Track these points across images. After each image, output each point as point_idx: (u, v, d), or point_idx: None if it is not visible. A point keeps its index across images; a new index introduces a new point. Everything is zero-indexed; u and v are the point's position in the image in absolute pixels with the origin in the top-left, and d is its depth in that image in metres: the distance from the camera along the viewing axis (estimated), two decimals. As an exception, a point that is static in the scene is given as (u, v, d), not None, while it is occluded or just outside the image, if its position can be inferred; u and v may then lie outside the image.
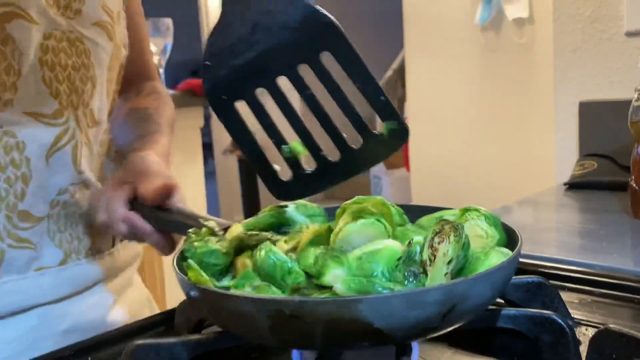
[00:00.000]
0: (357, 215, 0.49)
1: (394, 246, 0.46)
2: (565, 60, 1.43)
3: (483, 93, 2.34)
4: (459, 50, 2.39)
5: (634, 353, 0.42)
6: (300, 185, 0.49)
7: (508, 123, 2.26)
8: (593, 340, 0.44)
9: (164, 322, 0.61)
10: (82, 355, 0.55)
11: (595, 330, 0.45)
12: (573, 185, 1.26)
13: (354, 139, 0.48)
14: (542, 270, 0.68)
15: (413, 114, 2.60)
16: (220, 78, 0.45)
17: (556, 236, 0.90)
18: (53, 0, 0.64)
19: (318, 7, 0.42)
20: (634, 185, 0.96)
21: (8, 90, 0.61)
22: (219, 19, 0.44)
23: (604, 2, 1.36)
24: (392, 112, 0.46)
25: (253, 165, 0.48)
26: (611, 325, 0.44)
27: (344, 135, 0.47)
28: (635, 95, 0.96)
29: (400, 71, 3.73)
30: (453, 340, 0.50)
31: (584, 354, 0.45)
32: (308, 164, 0.49)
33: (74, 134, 0.66)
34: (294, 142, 0.48)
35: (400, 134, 0.46)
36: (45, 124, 0.64)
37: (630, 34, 1.34)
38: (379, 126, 0.48)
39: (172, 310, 0.60)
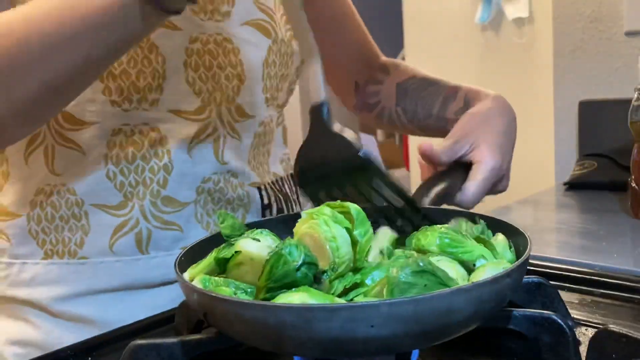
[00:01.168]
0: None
1: None
2: (565, 60, 1.43)
3: (483, 93, 2.34)
4: (458, 50, 2.39)
5: (634, 353, 0.42)
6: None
7: (508, 123, 2.26)
8: (593, 341, 0.44)
9: (164, 322, 0.61)
10: (82, 355, 0.56)
11: (595, 330, 0.45)
12: (573, 185, 1.26)
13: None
14: (542, 270, 0.68)
15: (413, 113, 2.60)
16: (307, 177, 0.60)
17: (556, 236, 0.90)
18: (199, 7, 0.69)
19: (362, 154, 0.56)
20: (634, 185, 0.96)
21: (154, 92, 0.68)
22: (305, 139, 0.60)
23: (604, 2, 1.36)
24: (424, 216, 0.57)
25: None
26: (611, 326, 0.44)
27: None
28: (635, 95, 0.96)
29: (400, 71, 3.71)
30: (452, 341, 0.50)
31: (584, 354, 0.45)
32: None
33: (216, 128, 0.71)
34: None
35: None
36: (186, 119, 0.70)
37: (630, 34, 1.34)
38: None
39: (172, 310, 0.60)
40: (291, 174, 0.86)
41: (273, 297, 0.44)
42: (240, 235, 0.60)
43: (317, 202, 0.59)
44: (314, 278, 0.47)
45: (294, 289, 0.45)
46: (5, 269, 0.70)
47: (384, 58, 0.98)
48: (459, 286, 0.41)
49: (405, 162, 2.83)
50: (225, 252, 0.51)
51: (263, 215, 0.77)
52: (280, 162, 0.84)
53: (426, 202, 0.68)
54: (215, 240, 0.60)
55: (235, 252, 0.50)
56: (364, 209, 0.53)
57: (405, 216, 0.57)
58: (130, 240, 0.69)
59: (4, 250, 0.70)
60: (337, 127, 0.58)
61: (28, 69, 0.54)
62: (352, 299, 0.46)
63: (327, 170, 0.58)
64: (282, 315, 0.39)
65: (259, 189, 0.76)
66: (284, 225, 0.62)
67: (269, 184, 0.78)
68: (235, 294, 0.48)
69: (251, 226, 0.61)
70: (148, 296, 0.69)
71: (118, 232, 0.68)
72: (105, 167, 0.68)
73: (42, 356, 0.55)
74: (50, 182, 0.68)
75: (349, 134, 0.57)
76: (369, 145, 0.85)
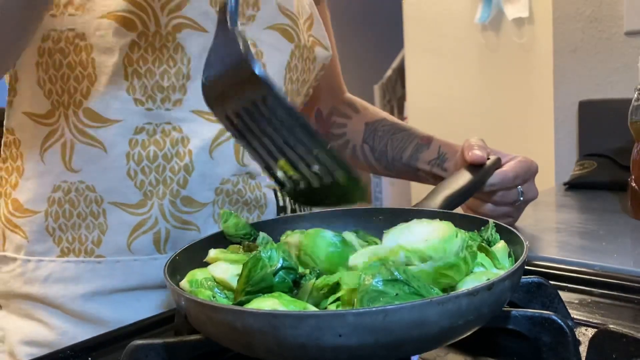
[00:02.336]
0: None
1: None
2: (565, 60, 1.43)
3: (483, 93, 2.34)
4: (458, 50, 2.39)
5: (634, 353, 0.42)
6: (302, 196, 0.51)
7: (507, 123, 2.26)
8: (593, 341, 0.44)
9: (164, 322, 0.61)
10: (82, 355, 0.55)
11: (595, 330, 0.45)
12: (573, 185, 1.26)
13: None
14: (542, 270, 0.68)
15: (412, 113, 2.60)
16: (209, 95, 0.50)
17: (556, 236, 0.90)
18: None
19: (253, 66, 0.45)
20: (634, 185, 0.96)
21: (178, 91, 0.68)
22: (211, 47, 0.49)
23: (604, 2, 1.36)
24: (340, 164, 0.46)
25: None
26: (611, 326, 0.44)
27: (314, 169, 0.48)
28: (635, 95, 0.96)
29: (400, 71, 3.73)
30: (453, 341, 0.50)
31: (584, 354, 0.45)
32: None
33: None
34: (281, 161, 0.49)
35: (355, 188, 0.47)
36: (209, 120, 0.70)
37: (630, 34, 1.34)
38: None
39: (172, 310, 0.60)
40: None
41: (249, 301, 0.45)
42: (243, 235, 0.60)
43: (226, 124, 0.50)
44: (294, 282, 0.47)
45: (267, 295, 0.45)
46: (22, 265, 0.70)
47: (348, 94, 1.01)
48: (432, 297, 0.40)
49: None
50: (198, 275, 0.52)
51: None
52: None
53: (432, 205, 0.69)
54: (214, 241, 0.60)
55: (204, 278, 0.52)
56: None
57: (304, 152, 0.47)
58: (149, 239, 0.69)
59: (20, 247, 0.70)
60: (237, 29, 0.47)
61: None
62: (326, 307, 0.45)
63: (226, 83, 0.48)
64: (249, 321, 0.39)
65: (275, 190, 0.77)
66: (286, 225, 0.62)
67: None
68: (213, 297, 0.48)
69: (254, 227, 0.61)
70: (164, 296, 0.70)
71: (136, 230, 0.69)
72: (127, 165, 0.68)
73: (42, 356, 0.55)
74: (66, 178, 0.69)
75: (243, 36, 0.47)
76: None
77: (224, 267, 0.52)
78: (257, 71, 0.45)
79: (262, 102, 0.46)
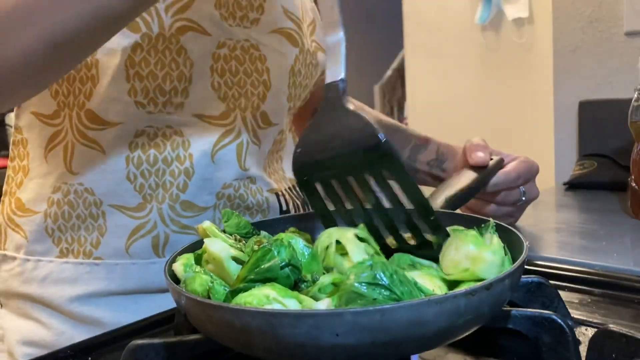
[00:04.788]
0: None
1: None
2: (565, 60, 1.43)
3: (483, 93, 2.34)
4: (458, 50, 2.39)
5: (634, 353, 0.42)
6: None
7: (508, 123, 2.26)
8: (593, 340, 0.44)
9: (164, 322, 0.61)
10: (82, 355, 0.55)
11: (595, 330, 0.45)
12: (573, 185, 1.26)
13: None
14: (542, 270, 0.68)
15: (412, 113, 2.60)
16: (306, 162, 0.53)
17: (556, 236, 0.90)
18: (228, 13, 0.69)
19: (382, 137, 0.49)
20: (634, 185, 0.96)
21: (180, 95, 0.68)
22: (315, 117, 0.54)
23: (604, 2, 1.36)
24: (440, 229, 0.51)
25: None
26: (611, 325, 0.44)
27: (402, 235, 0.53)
28: (635, 95, 0.96)
29: (400, 71, 3.73)
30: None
31: (584, 354, 0.45)
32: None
33: (239, 134, 0.71)
34: (361, 226, 0.53)
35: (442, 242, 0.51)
36: (210, 124, 0.70)
37: (630, 34, 1.34)
38: None
39: (172, 310, 0.60)
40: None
41: (247, 289, 0.44)
42: (244, 234, 0.60)
43: (309, 194, 0.54)
44: (295, 283, 0.47)
45: (265, 284, 0.45)
46: (21, 264, 0.70)
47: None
48: (430, 297, 0.40)
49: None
50: (199, 250, 0.52)
51: None
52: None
53: (433, 206, 0.69)
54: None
55: (202, 251, 0.51)
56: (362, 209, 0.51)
57: (414, 224, 0.51)
58: (147, 243, 0.69)
59: (20, 246, 0.70)
60: (352, 106, 0.52)
61: (26, 19, 0.51)
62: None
63: (331, 154, 0.51)
64: (247, 320, 0.39)
65: (277, 195, 0.77)
66: (287, 224, 0.62)
67: (286, 189, 0.79)
68: (211, 282, 0.48)
69: (256, 226, 0.61)
70: (163, 300, 0.69)
71: (135, 234, 0.68)
72: (126, 168, 0.68)
73: (42, 356, 0.55)
74: (67, 180, 0.69)
75: (366, 115, 0.50)
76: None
77: (222, 245, 0.51)
78: (389, 149, 0.48)
79: (380, 174, 0.50)
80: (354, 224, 0.53)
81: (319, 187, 0.53)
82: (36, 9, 0.51)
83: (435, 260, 0.51)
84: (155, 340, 0.48)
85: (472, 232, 0.51)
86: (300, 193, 0.82)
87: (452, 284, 0.49)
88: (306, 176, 0.53)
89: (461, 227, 0.54)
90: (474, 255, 0.48)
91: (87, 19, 0.51)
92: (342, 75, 0.53)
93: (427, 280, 0.48)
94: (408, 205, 0.50)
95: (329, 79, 0.53)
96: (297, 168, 0.53)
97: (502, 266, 0.48)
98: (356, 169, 0.51)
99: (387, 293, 0.41)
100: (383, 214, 0.52)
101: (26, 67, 0.53)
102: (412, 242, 0.52)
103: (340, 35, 0.54)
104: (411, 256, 0.52)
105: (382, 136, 0.48)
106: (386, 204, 0.51)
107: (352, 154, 0.50)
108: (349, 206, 0.53)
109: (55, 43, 0.52)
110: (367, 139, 0.49)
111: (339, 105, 0.52)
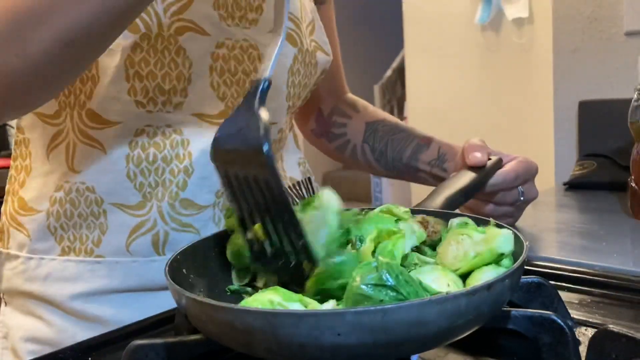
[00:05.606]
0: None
1: None
2: (564, 60, 1.44)
3: (482, 93, 2.34)
4: (458, 50, 2.39)
5: (633, 353, 0.42)
6: (261, 262, 0.55)
7: (507, 123, 2.26)
8: (593, 341, 0.44)
9: (164, 322, 0.61)
10: (83, 355, 0.56)
11: (595, 330, 0.45)
12: (573, 185, 1.26)
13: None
14: (542, 270, 0.68)
15: (412, 113, 2.60)
16: (217, 150, 0.54)
17: (556, 236, 0.90)
18: (227, 14, 0.69)
19: (265, 146, 0.50)
20: (634, 185, 0.96)
21: (179, 95, 0.68)
22: (234, 110, 0.55)
23: (604, 2, 1.36)
24: (310, 257, 0.50)
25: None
26: (611, 326, 0.44)
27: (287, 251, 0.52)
28: (635, 95, 0.96)
29: (400, 71, 3.73)
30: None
31: (583, 354, 0.45)
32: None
33: None
34: (258, 225, 0.53)
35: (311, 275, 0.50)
36: (210, 123, 0.70)
37: (630, 34, 1.34)
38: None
39: (172, 310, 0.60)
40: (308, 178, 0.87)
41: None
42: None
43: (223, 180, 0.55)
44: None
45: (268, 289, 0.46)
46: (24, 263, 0.71)
47: (350, 94, 1.01)
48: (430, 297, 0.40)
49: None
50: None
51: None
52: (298, 165, 0.85)
53: (432, 206, 0.69)
54: (216, 240, 0.60)
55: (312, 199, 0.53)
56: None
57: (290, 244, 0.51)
58: (147, 241, 0.69)
59: (23, 245, 0.71)
60: (262, 110, 0.53)
61: (43, 17, 0.52)
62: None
63: (233, 147, 0.53)
64: (249, 320, 0.39)
65: None
66: None
67: (285, 188, 0.79)
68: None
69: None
70: (163, 297, 0.69)
71: (135, 232, 0.69)
72: (126, 166, 0.68)
73: (44, 356, 0.55)
74: (69, 179, 0.69)
75: (265, 119, 0.52)
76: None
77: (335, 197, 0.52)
78: (266, 158, 0.49)
79: (264, 182, 0.50)
80: (253, 221, 0.54)
81: (231, 175, 0.54)
82: (52, 7, 0.51)
83: None
84: (156, 341, 0.48)
85: (465, 227, 0.52)
86: (299, 192, 0.83)
87: (464, 278, 0.49)
88: (218, 162, 0.54)
89: (469, 220, 0.55)
90: (483, 238, 0.49)
91: (99, 15, 0.52)
92: (267, 74, 0.54)
93: (441, 275, 0.48)
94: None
95: (257, 74, 0.55)
96: (210, 153, 0.55)
97: (517, 242, 0.49)
98: (248, 169, 0.52)
99: (393, 294, 0.41)
100: (267, 218, 0.52)
101: (46, 66, 0.53)
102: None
103: (280, 38, 0.56)
104: (417, 254, 0.53)
105: (265, 145, 0.50)
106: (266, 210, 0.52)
107: (245, 154, 0.52)
108: (243, 202, 0.54)
109: (72, 40, 0.52)
110: (254, 142, 0.51)
111: (251, 103, 0.53)
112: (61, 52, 0.53)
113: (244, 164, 0.52)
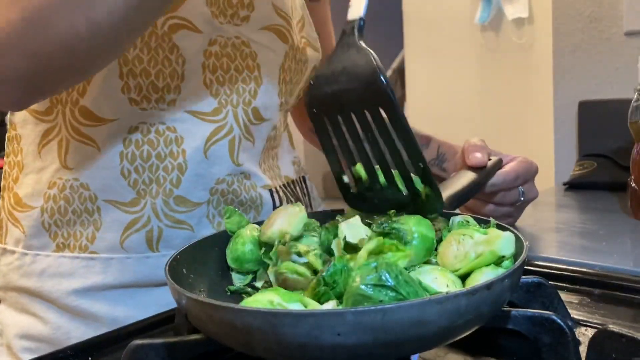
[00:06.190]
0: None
1: None
2: (564, 60, 1.44)
3: (482, 93, 2.34)
4: (458, 50, 2.39)
5: (633, 353, 0.42)
6: (362, 200, 0.57)
7: (507, 123, 2.26)
8: (593, 341, 0.44)
9: (164, 322, 0.61)
10: (82, 355, 0.56)
11: (595, 330, 0.45)
12: (572, 185, 1.26)
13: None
14: (542, 270, 0.68)
15: (412, 113, 2.60)
16: (316, 96, 0.55)
17: (556, 236, 0.90)
18: (219, 11, 0.69)
19: (383, 79, 0.51)
20: (634, 185, 0.96)
21: (172, 92, 0.69)
22: (332, 52, 0.55)
23: (604, 2, 1.36)
24: (429, 180, 0.53)
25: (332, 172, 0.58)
26: (611, 326, 0.44)
27: (398, 182, 0.54)
28: (635, 95, 0.96)
29: (400, 71, 3.73)
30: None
31: (583, 354, 0.45)
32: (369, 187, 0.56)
33: (231, 130, 0.72)
34: (358, 165, 0.56)
35: (434, 201, 0.54)
36: (203, 120, 0.70)
37: (629, 34, 1.34)
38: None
39: (172, 310, 0.60)
40: (303, 177, 0.87)
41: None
42: None
43: (317, 128, 0.56)
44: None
45: (269, 289, 0.46)
46: (19, 258, 0.71)
47: None
48: (430, 297, 0.40)
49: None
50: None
51: None
52: (292, 164, 0.85)
53: None
54: (216, 240, 0.60)
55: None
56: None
57: (405, 171, 0.53)
58: (141, 237, 0.69)
59: (19, 240, 0.71)
60: (364, 44, 0.54)
61: (74, 4, 0.52)
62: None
63: (339, 88, 0.54)
64: (248, 320, 0.39)
65: (271, 191, 0.77)
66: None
67: (280, 186, 0.79)
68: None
69: (258, 225, 0.61)
70: (158, 294, 0.70)
71: (129, 229, 0.69)
72: (120, 164, 0.68)
73: (43, 356, 0.55)
74: (62, 175, 0.69)
75: (372, 51, 0.52)
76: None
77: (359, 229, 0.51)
78: (385, 86, 0.50)
79: (378, 112, 0.51)
80: (354, 162, 0.56)
81: (327, 121, 0.55)
82: None
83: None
84: (156, 340, 0.48)
85: (466, 227, 0.52)
86: (294, 190, 0.83)
87: (463, 278, 0.49)
88: (315, 109, 0.55)
89: (470, 218, 0.56)
90: (484, 239, 0.49)
91: (126, 3, 0.52)
92: (361, 14, 0.55)
93: (440, 275, 0.48)
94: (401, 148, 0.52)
95: (349, 16, 0.56)
96: (308, 101, 0.55)
97: (517, 242, 0.49)
98: (358, 104, 0.52)
99: (393, 294, 0.41)
100: (380, 157, 0.54)
101: (111, 29, 0.53)
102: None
103: None
104: None
105: (381, 75, 0.50)
106: (382, 145, 0.53)
107: (355, 89, 0.52)
108: (351, 144, 0.55)
109: (99, 28, 0.52)
110: (369, 76, 0.51)
111: (352, 41, 0.54)
112: (126, 15, 0.53)
113: (351, 102, 0.52)
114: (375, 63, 0.51)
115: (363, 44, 0.54)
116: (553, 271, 0.68)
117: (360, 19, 0.55)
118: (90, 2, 0.51)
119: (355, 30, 0.54)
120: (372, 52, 0.52)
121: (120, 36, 0.55)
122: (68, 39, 0.52)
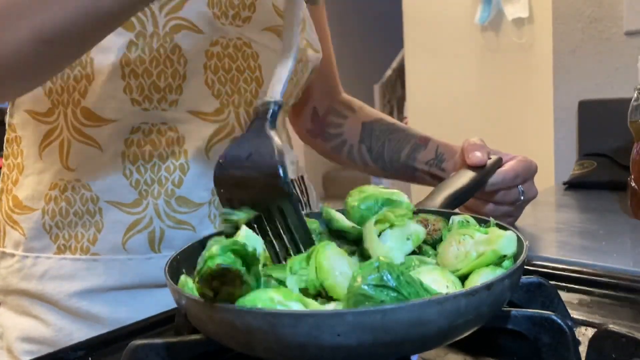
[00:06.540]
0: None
1: None
2: (564, 60, 1.44)
3: (482, 93, 2.34)
4: (458, 50, 2.39)
5: (633, 353, 0.42)
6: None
7: (507, 123, 2.26)
8: (593, 341, 0.44)
9: (164, 322, 0.61)
10: (82, 355, 0.56)
11: (595, 330, 0.45)
12: (572, 185, 1.26)
13: None
14: (542, 270, 0.68)
15: (412, 113, 2.60)
16: (224, 176, 0.53)
17: (556, 236, 0.90)
18: (221, 12, 0.70)
19: (282, 175, 0.49)
20: (634, 184, 0.96)
21: (174, 92, 0.69)
22: (243, 134, 0.54)
23: (604, 2, 1.37)
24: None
25: None
26: (611, 326, 0.44)
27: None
28: (635, 95, 0.96)
29: (400, 71, 3.72)
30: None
31: (583, 354, 0.45)
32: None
33: (233, 130, 0.72)
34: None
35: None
36: (205, 120, 0.70)
37: (629, 34, 1.34)
38: None
39: (172, 310, 0.60)
40: (301, 177, 0.87)
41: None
42: None
43: (223, 205, 0.54)
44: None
45: (270, 287, 0.45)
46: (19, 261, 0.71)
47: (345, 95, 1.01)
48: (431, 297, 0.40)
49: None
50: None
51: None
52: (291, 164, 0.85)
53: (432, 205, 0.69)
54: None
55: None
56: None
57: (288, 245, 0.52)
58: (143, 238, 0.69)
59: (19, 243, 0.71)
60: (274, 134, 0.52)
61: (17, 17, 0.52)
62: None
63: (243, 173, 0.52)
64: (248, 320, 0.39)
65: None
66: None
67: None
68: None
69: None
70: (160, 295, 0.70)
71: (131, 230, 0.69)
72: (122, 164, 0.68)
73: (42, 356, 0.55)
74: (64, 177, 0.69)
75: (278, 143, 0.51)
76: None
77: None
78: (283, 183, 0.49)
79: (278, 209, 0.50)
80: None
81: (234, 199, 0.54)
82: (25, 6, 0.52)
83: None
84: (156, 341, 0.48)
85: (466, 226, 0.51)
86: (295, 189, 0.83)
87: (462, 279, 0.49)
88: (222, 189, 0.53)
89: (470, 217, 0.56)
90: (485, 239, 0.49)
91: (74, 16, 0.52)
92: (278, 97, 0.54)
93: (439, 276, 0.48)
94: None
95: (267, 96, 0.54)
96: (215, 179, 0.54)
97: (517, 242, 0.49)
98: (260, 194, 0.51)
99: (394, 294, 0.41)
100: (283, 246, 0.52)
101: (18, 63, 0.53)
102: None
103: (291, 61, 0.56)
104: (415, 256, 0.53)
105: (281, 171, 0.49)
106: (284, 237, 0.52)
107: (257, 179, 0.51)
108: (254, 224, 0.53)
109: (44, 39, 0.52)
110: (271, 169, 0.50)
111: (262, 127, 0.53)
112: (35, 50, 0.53)
113: (254, 191, 0.51)
114: (277, 158, 0.50)
115: (271, 134, 0.52)
116: (553, 271, 0.68)
117: (275, 102, 0.53)
118: (33, 13, 0.51)
119: (268, 116, 0.53)
120: (278, 143, 0.51)
121: (32, 70, 0.56)
122: (13, 46, 0.52)
